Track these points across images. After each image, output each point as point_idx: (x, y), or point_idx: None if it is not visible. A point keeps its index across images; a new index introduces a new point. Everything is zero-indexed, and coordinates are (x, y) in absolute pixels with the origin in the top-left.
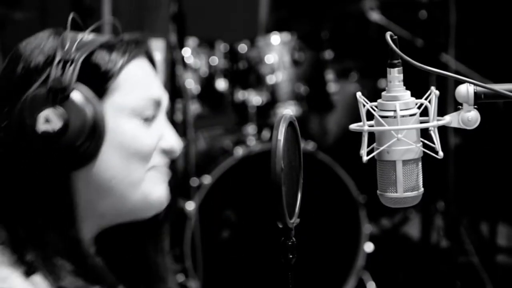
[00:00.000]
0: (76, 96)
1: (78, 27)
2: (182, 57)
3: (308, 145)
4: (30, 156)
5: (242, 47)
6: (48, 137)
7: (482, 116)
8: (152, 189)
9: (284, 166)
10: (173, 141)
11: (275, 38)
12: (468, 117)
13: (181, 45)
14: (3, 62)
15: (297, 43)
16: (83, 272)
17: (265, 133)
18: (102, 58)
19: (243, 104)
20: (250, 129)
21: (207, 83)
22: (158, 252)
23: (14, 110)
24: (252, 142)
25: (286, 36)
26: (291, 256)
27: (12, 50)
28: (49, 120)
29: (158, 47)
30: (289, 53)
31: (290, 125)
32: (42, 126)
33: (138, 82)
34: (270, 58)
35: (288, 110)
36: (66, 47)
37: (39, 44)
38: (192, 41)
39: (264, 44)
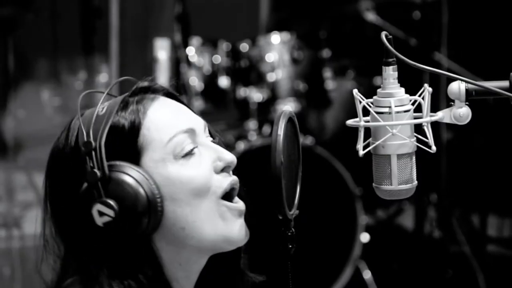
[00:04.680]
0: (116, 176)
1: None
2: (187, 56)
3: (306, 140)
4: (109, 238)
5: (244, 46)
6: (111, 224)
7: (473, 112)
8: (229, 228)
9: (283, 160)
10: (225, 157)
11: (275, 38)
12: (460, 113)
13: (186, 44)
14: (14, 62)
15: (296, 42)
16: None
17: (266, 128)
18: (119, 127)
19: (245, 101)
20: (251, 124)
21: (210, 80)
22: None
23: (70, 205)
24: (253, 137)
25: (286, 35)
26: (290, 246)
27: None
28: (102, 213)
29: (163, 46)
30: (288, 52)
31: (290, 120)
32: (99, 220)
33: (164, 125)
34: (271, 57)
35: (287, 107)
36: (83, 137)
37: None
38: (196, 40)
39: (264, 43)
